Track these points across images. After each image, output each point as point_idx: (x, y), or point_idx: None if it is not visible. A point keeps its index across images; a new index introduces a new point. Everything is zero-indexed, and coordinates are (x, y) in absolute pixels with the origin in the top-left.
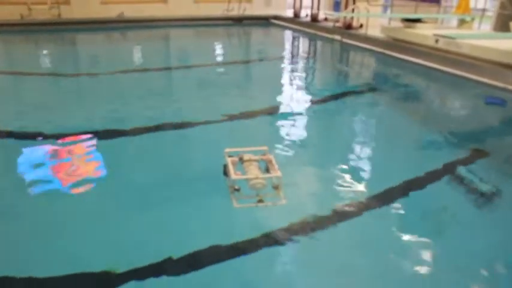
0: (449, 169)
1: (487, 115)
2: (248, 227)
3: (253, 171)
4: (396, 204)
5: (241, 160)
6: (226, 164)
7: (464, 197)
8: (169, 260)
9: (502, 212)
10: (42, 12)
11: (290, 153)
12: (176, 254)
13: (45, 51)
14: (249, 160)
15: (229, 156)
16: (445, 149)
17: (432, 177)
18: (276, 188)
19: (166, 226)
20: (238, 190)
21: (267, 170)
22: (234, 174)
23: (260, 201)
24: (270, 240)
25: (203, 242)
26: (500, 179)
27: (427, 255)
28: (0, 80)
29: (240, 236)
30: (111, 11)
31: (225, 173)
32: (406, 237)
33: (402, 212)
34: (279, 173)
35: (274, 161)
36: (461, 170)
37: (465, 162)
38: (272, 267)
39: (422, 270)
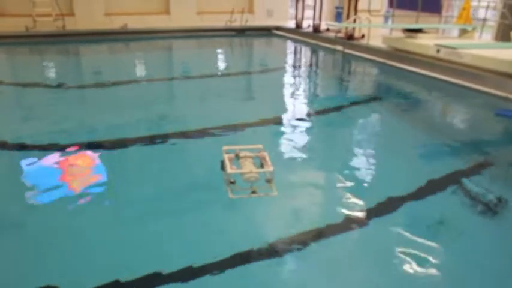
0: (453, 179)
1: (490, 125)
2: (249, 237)
3: (248, 166)
4: (400, 214)
5: (237, 156)
6: (223, 160)
7: (469, 207)
8: (171, 272)
9: (507, 222)
10: (46, 24)
11: (293, 162)
12: (178, 266)
13: (49, 63)
14: (245, 157)
15: (227, 153)
16: (448, 158)
17: (436, 187)
18: (268, 181)
19: (167, 237)
20: (233, 183)
21: (262, 166)
22: (229, 169)
23: (253, 192)
24: (271, 250)
25: (205, 252)
26: (505, 189)
27: (430, 266)
28: (5, 91)
29: (241, 246)
30: (115, 23)
31: (222, 167)
32: (409, 247)
33: (406, 222)
34: (271, 168)
35: (267, 158)
36: (466, 180)
37: (469, 172)
38: (274, 277)
39: (425, 281)
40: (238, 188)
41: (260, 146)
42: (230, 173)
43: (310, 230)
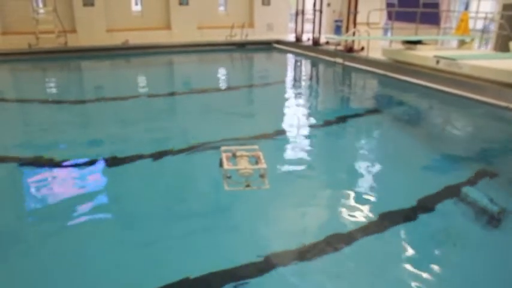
0: (455, 189)
1: (491, 135)
2: (254, 251)
3: (243, 163)
4: (403, 226)
5: (234, 155)
6: (221, 158)
7: (473, 218)
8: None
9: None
10: (49, 41)
11: (295, 175)
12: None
13: (52, 79)
14: (241, 155)
15: (225, 152)
16: (450, 169)
17: (439, 198)
18: (262, 176)
19: (171, 251)
20: (229, 177)
21: (257, 164)
22: (226, 165)
23: (247, 185)
24: (277, 264)
25: (209, 267)
26: (509, 199)
27: (434, 278)
28: (8, 107)
29: (246, 260)
30: (116, 39)
31: (220, 164)
32: (413, 259)
33: (409, 234)
34: (264, 165)
35: (262, 156)
36: (469, 191)
37: (472, 182)
38: None
39: None
40: (234, 182)
41: (255, 146)
42: (226, 169)
43: (313, 240)
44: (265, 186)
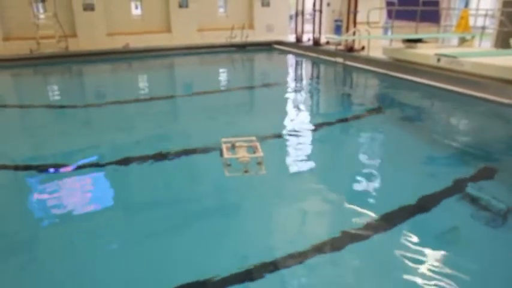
0: (459, 188)
1: (494, 132)
2: (258, 252)
3: (242, 153)
4: (406, 225)
5: (233, 146)
6: (221, 148)
7: (477, 216)
8: None
9: None
10: (50, 46)
11: (298, 175)
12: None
13: (53, 83)
14: (240, 146)
15: (225, 143)
16: (453, 167)
17: (443, 196)
18: (259, 163)
19: (174, 254)
20: (229, 165)
21: (254, 153)
22: (226, 154)
23: (246, 172)
24: (279, 265)
25: (212, 269)
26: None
27: (439, 277)
28: (10, 113)
29: (250, 261)
30: (117, 42)
31: (221, 154)
32: (416, 258)
33: (412, 232)
34: (261, 154)
35: (259, 146)
36: (472, 189)
37: (476, 180)
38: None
39: None
40: (234, 169)
41: (253, 138)
42: (226, 158)
43: (317, 244)
44: (262, 172)
